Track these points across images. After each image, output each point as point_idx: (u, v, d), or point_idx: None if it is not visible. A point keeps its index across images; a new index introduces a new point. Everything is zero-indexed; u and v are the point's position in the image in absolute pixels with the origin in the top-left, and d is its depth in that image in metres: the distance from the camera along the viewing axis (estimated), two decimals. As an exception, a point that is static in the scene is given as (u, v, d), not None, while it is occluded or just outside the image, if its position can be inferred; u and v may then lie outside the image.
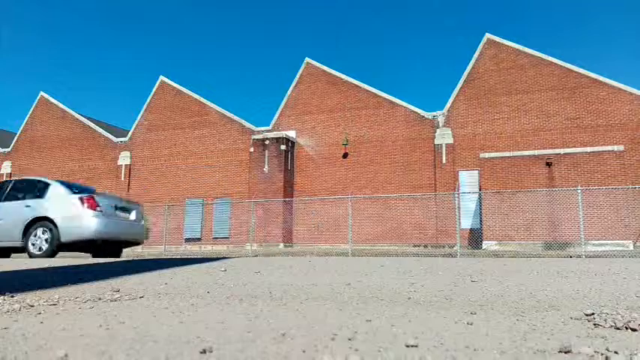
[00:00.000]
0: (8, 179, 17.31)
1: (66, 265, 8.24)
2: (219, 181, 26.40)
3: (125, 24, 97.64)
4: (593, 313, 3.50)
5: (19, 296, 4.41)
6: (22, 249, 11.32)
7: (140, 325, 3.06)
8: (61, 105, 30.94)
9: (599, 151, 18.52)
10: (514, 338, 2.70)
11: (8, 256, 11.86)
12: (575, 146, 20.90)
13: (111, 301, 4.24)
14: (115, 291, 4.85)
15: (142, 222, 13.02)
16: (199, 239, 25.97)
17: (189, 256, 18.57)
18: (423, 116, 23.81)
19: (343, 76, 25.64)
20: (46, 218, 11.13)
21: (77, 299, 4.27)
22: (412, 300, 4.58)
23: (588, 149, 18.78)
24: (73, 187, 12.03)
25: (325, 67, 26.02)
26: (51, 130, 30.75)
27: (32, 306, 3.85)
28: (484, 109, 22.98)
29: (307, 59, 26.47)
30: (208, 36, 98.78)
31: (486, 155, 19.82)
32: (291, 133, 25.64)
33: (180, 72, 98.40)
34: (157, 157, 28.00)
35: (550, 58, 22.48)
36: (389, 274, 7.36)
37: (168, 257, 18.30)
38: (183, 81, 69.26)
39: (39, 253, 10.94)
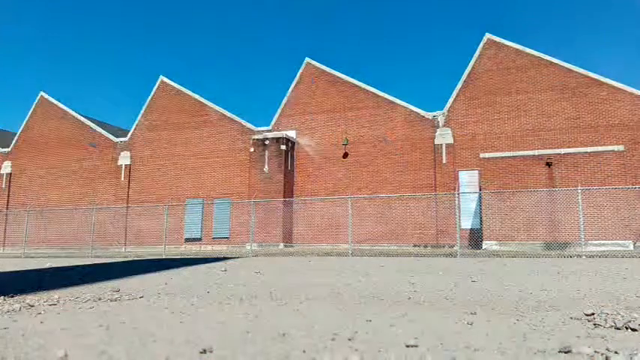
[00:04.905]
0: None
1: (66, 265, 8.23)
2: (219, 181, 26.40)
3: (125, 24, 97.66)
4: (593, 313, 3.50)
5: (19, 296, 4.41)
6: None
7: (140, 325, 3.06)
8: (61, 105, 30.91)
9: (599, 151, 18.51)
10: (514, 338, 2.70)
11: None
12: (575, 146, 20.88)
13: (111, 301, 4.24)
14: (115, 291, 4.84)
15: None
16: (199, 239, 25.97)
17: (189, 256, 18.60)
18: (423, 116, 23.80)
19: (343, 76, 25.63)
20: None
21: (77, 299, 4.27)
22: (412, 300, 4.58)
23: (588, 149, 18.76)
24: None
25: (325, 67, 26.01)
26: (51, 130, 30.74)
27: (32, 306, 3.84)
28: (484, 109, 22.98)
29: (307, 59, 26.46)
30: (208, 36, 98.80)
31: (486, 155, 19.81)
32: (291, 133, 25.63)
33: (180, 72, 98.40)
34: (156, 157, 27.99)
35: (550, 58, 22.46)
36: (389, 274, 7.35)
37: (169, 257, 18.31)
38: (183, 81, 69.16)
39: None
